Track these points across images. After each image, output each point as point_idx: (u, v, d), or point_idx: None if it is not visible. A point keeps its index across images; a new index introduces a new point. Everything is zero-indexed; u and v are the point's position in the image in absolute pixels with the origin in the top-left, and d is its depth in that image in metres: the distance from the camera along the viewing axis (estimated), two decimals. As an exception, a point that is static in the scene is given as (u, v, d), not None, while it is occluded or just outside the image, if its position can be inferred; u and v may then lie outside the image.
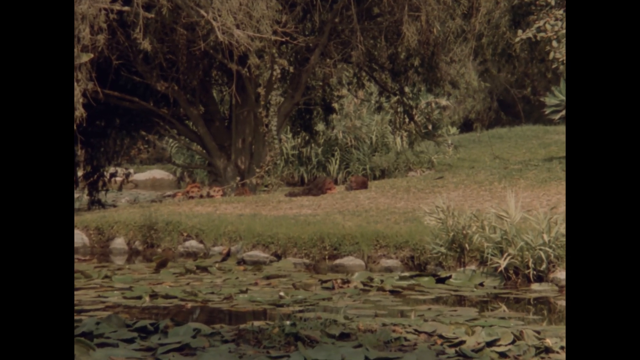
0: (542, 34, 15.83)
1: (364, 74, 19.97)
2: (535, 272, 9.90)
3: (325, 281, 9.98)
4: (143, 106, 17.88)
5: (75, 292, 8.95)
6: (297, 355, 6.52)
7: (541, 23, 15.91)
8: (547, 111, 24.92)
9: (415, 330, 7.34)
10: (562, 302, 9.05)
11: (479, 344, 6.94)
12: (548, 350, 6.77)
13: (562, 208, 10.97)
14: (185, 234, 12.72)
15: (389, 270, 11.02)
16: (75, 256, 11.75)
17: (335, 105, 22.02)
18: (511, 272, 10.02)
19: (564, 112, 19.60)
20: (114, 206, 17.97)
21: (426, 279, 10.14)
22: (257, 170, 17.32)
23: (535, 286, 9.82)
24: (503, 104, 32.14)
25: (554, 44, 15.63)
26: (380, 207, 13.75)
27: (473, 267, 10.33)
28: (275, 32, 15.83)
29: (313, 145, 24.54)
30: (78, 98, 14.36)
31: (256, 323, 7.49)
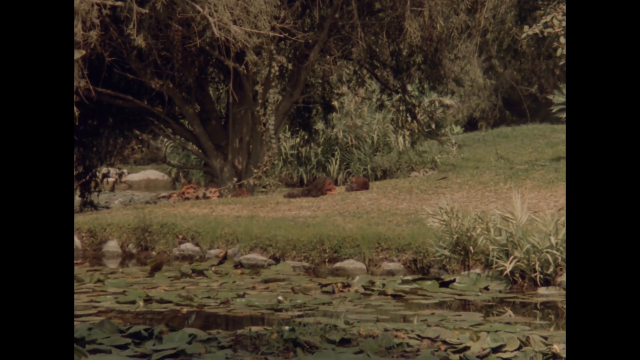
0: (549, 30, 15.83)
1: (364, 71, 19.97)
2: (542, 276, 9.90)
3: (325, 285, 9.98)
4: (137, 104, 17.88)
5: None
6: (296, 361, 6.52)
7: (548, 18, 15.92)
8: (554, 109, 24.91)
9: (418, 335, 7.34)
10: (569, 307, 9.05)
11: (484, 350, 6.94)
12: (555, 356, 6.77)
13: (570, 209, 10.95)
14: (180, 237, 12.72)
15: (390, 273, 11.02)
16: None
17: (335, 104, 22.01)
18: (517, 275, 10.02)
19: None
20: (107, 208, 17.97)
21: (429, 282, 10.14)
22: (255, 170, 17.32)
23: (542, 290, 9.82)
24: (509, 102, 32.14)
25: (562, 39, 15.64)
26: (381, 209, 13.75)
27: (478, 270, 10.33)
28: (273, 28, 15.82)
29: (312, 144, 24.54)
30: (70, 96, 14.36)
31: (254, 328, 7.49)
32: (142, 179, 27.80)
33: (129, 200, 20.73)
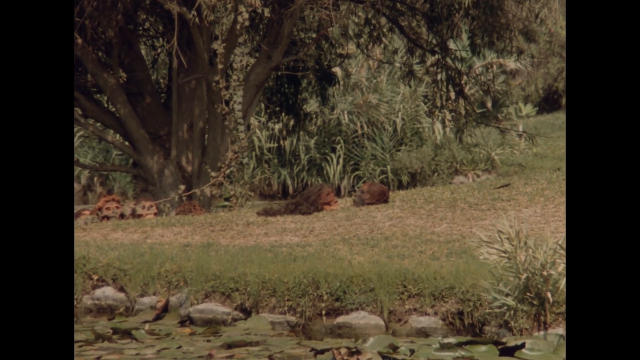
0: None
1: (383, 20, 20.00)
2: (658, 337, 9.91)
3: (322, 351, 10.00)
4: (28, 71, 17.87)
5: None
6: None
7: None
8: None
9: None
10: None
11: None
12: None
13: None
14: (95, 277, 12.74)
15: (423, 333, 11.03)
16: None
17: (337, 71, 22.03)
18: (620, 336, 10.03)
19: None
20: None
21: (484, 348, 10.15)
22: (213, 174, 17.33)
23: (658, 359, 9.84)
24: (606, 67, 32.25)
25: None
26: (408, 233, 13.78)
27: (560, 330, 10.35)
28: (240, -47, 15.85)
29: (302, 134, 24.58)
30: None
31: (210, 419, 7.50)
32: (36, 188, 27.85)
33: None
